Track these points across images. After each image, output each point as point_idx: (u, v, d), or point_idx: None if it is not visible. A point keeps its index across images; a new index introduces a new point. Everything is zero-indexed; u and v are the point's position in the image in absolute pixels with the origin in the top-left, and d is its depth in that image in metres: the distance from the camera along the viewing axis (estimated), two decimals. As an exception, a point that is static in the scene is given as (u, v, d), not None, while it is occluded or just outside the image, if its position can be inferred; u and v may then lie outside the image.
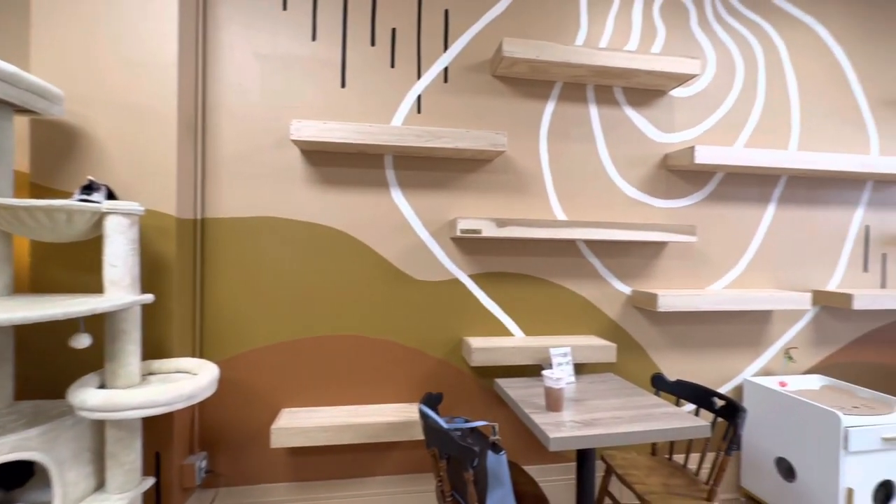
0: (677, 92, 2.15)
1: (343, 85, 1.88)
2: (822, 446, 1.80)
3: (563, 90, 2.05)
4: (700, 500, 1.50)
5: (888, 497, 1.81)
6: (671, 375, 2.17)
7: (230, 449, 1.83)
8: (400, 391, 1.95)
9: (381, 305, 1.92)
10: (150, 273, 1.58)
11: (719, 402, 1.65)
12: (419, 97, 1.94)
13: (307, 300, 1.87)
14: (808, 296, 2.06)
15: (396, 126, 1.75)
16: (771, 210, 2.25)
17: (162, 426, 1.59)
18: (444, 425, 1.34)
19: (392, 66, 1.91)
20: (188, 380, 1.36)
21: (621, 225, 1.93)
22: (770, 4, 2.24)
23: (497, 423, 1.99)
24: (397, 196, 1.93)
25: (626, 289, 2.12)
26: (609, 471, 1.78)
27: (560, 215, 2.06)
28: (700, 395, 1.73)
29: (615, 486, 2.07)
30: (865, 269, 2.37)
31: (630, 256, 2.12)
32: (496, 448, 1.37)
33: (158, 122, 1.57)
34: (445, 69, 1.95)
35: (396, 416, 1.79)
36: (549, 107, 2.04)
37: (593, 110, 2.08)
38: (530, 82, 2.02)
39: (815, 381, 2.21)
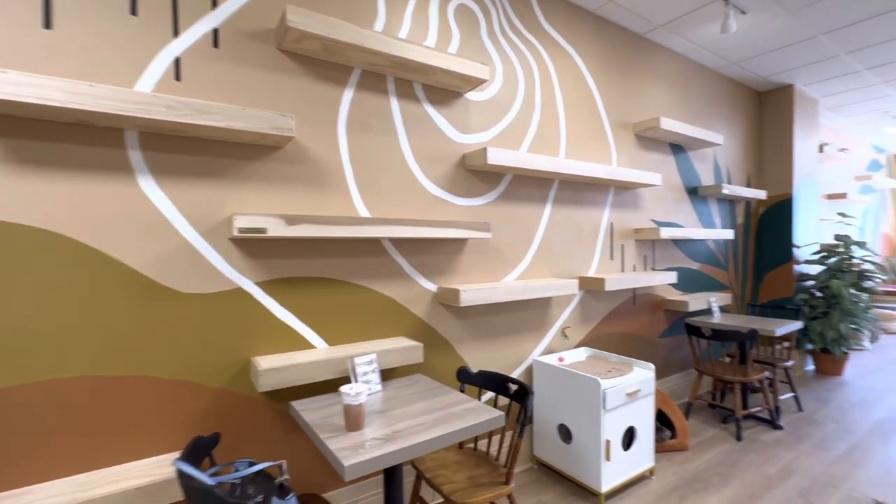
0: (472, 95, 2.26)
1: (48, 25, 1.33)
2: (588, 409, 2.13)
3: (362, 78, 1.91)
4: (500, 484, 1.56)
5: (631, 439, 2.26)
6: (476, 366, 2.28)
7: None
8: (162, 439, 1.50)
9: (128, 332, 1.44)
10: None
11: (513, 387, 1.76)
12: (178, 60, 1.52)
13: (2, 335, 1.26)
14: (576, 282, 2.43)
15: (139, 92, 1.31)
16: (548, 209, 2.58)
17: None
18: (208, 481, 1.04)
19: (133, 12, 1.45)
20: None
21: (427, 222, 1.90)
22: (542, 29, 2.56)
23: (286, 459, 1.73)
24: (148, 186, 1.47)
25: (431, 286, 2.12)
26: (419, 476, 1.73)
27: (363, 212, 1.92)
28: (498, 383, 1.82)
29: (427, 490, 2.06)
30: (611, 257, 2.95)
31: (434, 254, 2.13)
32: (283, 491, 1.14)
33: None
34: (215, 31, 1.58)
35: (151, 475, 1.36)
36: (348, 94, 1.88)
37: (395, 103, 2.01)
38: (325, 64, 1.82)
39: (583, 353, 2.64)
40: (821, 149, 4.94)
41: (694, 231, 3.20)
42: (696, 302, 3.25)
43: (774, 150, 4.23)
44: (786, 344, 3.68)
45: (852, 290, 3.91)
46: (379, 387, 1.68)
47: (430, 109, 2.12)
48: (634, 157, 3.08)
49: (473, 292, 2.00)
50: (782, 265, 4.15)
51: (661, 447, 2.62)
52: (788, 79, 3.97)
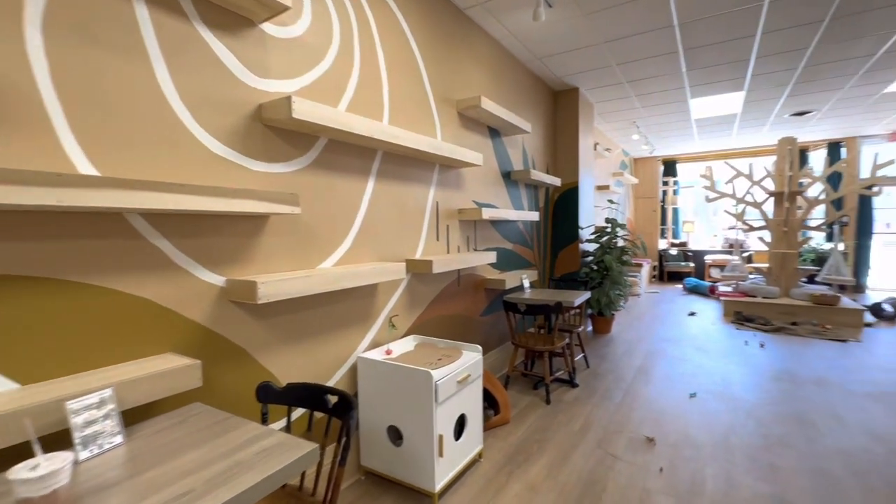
0: (271, 28, 1.74)
1: None
2: (420, 404, 1.92)
3: (76, -43, 1.21)
4: (316, 532, 1.19)
5: (462, 427, 2.16)
6: (286, 375, 1.82)
7: None
8: None
9: None
10: None
11: (332, 399, 1.40)
12: None
13: None
14: (403, 265, 2.18)
15: None
16: (371, 183, 2.25)
17: None
18: None
19: None
20: None
21: (205, 190, 1.34)
22: (360, -30, 2.17)
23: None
24: None
25: (217, 279, 1.56)
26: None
27: (84, 167, 1.23)
28: (313, 396, 1.43)
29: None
30: (437, 238, 2.82)
31: (221, 235, 1.57)
32: None
33: None
34: None
35: None
36: (47, -25, 1.15)
37: (143, 12, 1.35)
38: None
39: (411, 342, 2.44)
40: (595, 147, 5.94)
41: (510, 212, 3.35)
42: (511, 279, 3.43)
43: (565, 144, 4.85)
44: (576, 311, 4.27)
45: (617, 264, 4.80)
46: (117, 439, 1.09)
47: (208, 35, 1.52)
48: (457, 136, 3.01)
49: (277, 284, 1.53)
50: (571, 244, 4.82)
51: (486, 426, 2.64)
52: (575, 82, 4.55)
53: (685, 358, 4.03)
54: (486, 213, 3.00)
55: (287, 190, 1.81)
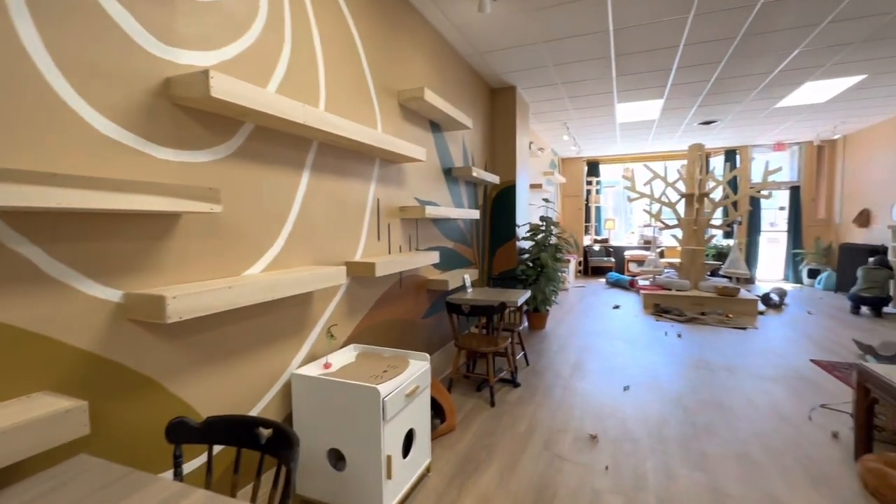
0: (180, -12, 1.43)
1: None
2: (365, 423, 1.74)
3: None
4: None
5: (410, 442, 2.01)
6: (206, 404, 1.54)
7: None
8: None
9: None
10: None
11: (265, 433, 1.18)
12: None
13: None
14: (343, 269, 1.98)
15: None
16: (306, 178, 2.00)
17: None
18: None
19: None
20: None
21: (89, 182, 1.04)
22: (291, -66, 1.91)
23: None
24: None
25: (112, 293, 1.25)
26: None
27: None
28: (239, 432, 1.20)
29: None
30: (379, 238, 2.63)
31: (117, 239, 1.26)
32: None
33: None
34: None
35: None
36: None
37: (-5, -57, 1.01)
38: None
39: (353, 353, 2.23)
40: (530, 147, 6.05)
41: (453, 210, 3.24)
42: (453, 279, 3.33)
43: (503, 142, 4.85)
44: (517, 310, 4.30)
45: (552, 261, 4.93)
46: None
47: (93, -15, 1.20)
48: (399, 128, 2.83)
49: (193, 298, 1.27)
50: (509, 241, 4.85)
51: (433, 435, 2.51)
52: (513, 80, 4.56)
53: (615, 351, 4.23)
54: (429, 212, 2.86)
55: (205, 183, 1.52)
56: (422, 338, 3.22)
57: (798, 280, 8.37)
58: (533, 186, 6.63)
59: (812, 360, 3.87)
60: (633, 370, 3.68)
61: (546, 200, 5.34)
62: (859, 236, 7.32)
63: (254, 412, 1.75)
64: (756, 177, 8.48)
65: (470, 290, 3.64)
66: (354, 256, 2.38)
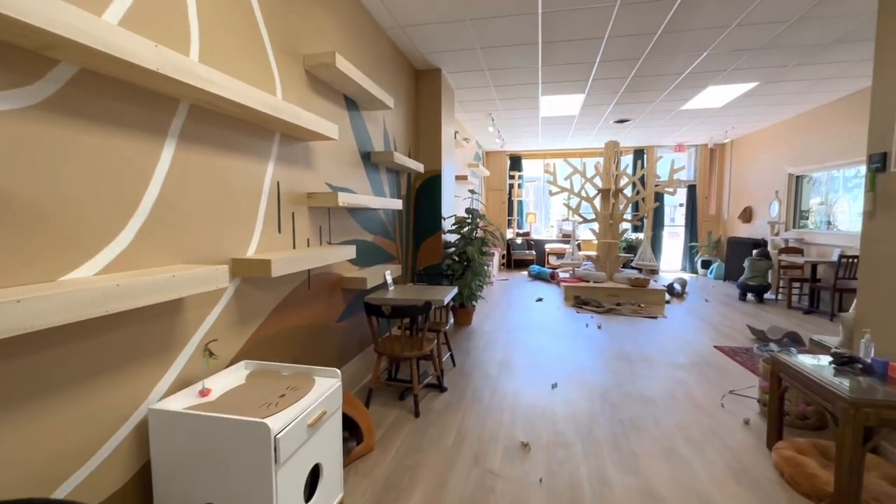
0: None
1: None
2: (251, 471, 1.35)
3: None
4: None
5: (315, 480, 1.64)
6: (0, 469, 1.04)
7: None
8: None
9: None
10: None
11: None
12: None
13: None
14: (226, 269, 1.54)
15: None
16: (170, 149, 1.52)
17: None
18: None
19: None
20: None
21: None
22: None
23: None
24: None
25: None
26: None
27: None
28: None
29: None
30: (279, 230, 2.19)
31: None
32: None
33: None
34: None
35: None
36: None
37: None
38: None
39: (241, 371, 1.79)
40: (455, 136, 5.82)
41: (372, 199, 2.87)
42: (373, 277, 2.98)
43: (428, 128, 4.55)
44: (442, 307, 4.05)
45: (479, 255, 4.76)
46: None
47: None
48: (306, 99, 2.39)
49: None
50: (433, 234, 4.58)
51: (347, 460, 2.16)
52: (438, 62, 4.27)
53: (541, 346, 4.17)
54: (343, 199, 2.46)
55: (-19, 144, 1.01)
56: (336, 345, 2.83)
57: (693, 270, 9.22)
58: (458, 178, 6.43)
59: (716, 347, 4.13)
60: (559, 365, 3.62)
61: (472, 192, 5.16)
62: (743, 230, 8.20)
63: (80, 474, 1.26)
64: (662, 175, 9.16)
65: (392, 287, 3.31)
66: (246, 252, 1.93)
